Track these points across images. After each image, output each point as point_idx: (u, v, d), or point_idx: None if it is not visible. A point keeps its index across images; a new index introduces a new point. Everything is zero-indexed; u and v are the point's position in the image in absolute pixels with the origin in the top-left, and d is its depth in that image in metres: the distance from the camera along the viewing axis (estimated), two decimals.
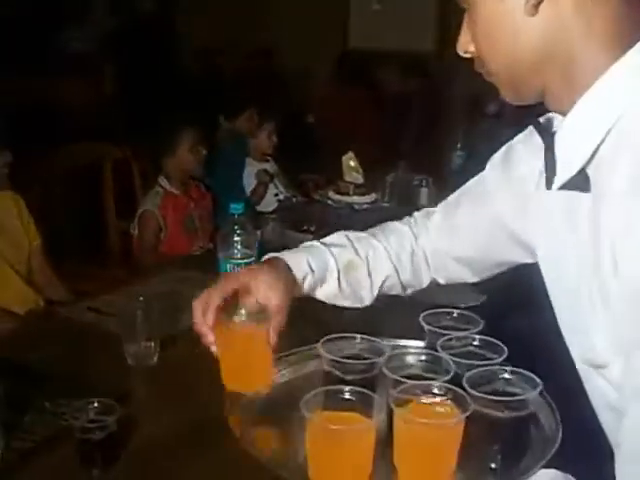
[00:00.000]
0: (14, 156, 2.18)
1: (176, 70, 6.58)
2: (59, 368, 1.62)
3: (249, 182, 3.44)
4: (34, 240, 2.31)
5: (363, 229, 2.87)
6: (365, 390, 1.15)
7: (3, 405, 1.30)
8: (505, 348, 1.27)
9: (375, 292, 1.47)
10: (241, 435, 1.23)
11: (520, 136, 1.32)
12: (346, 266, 1.43)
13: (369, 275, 1.45)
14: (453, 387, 1.15)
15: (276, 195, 3.36)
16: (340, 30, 7.04)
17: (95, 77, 5.24)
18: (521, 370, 1.20)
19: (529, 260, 1.34)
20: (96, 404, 1.31)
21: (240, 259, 1.69)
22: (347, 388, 1.15)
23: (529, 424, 1.20)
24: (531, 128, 1.23)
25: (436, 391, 1.16)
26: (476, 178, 1.46)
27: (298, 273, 1.35)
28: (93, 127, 4.64)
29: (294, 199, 3.33)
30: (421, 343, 1.41)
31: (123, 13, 6.42)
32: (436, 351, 1.28)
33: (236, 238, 1.68)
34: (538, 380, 1.17)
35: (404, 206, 3.16)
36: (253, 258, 1.71)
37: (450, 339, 1.32)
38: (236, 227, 1.68)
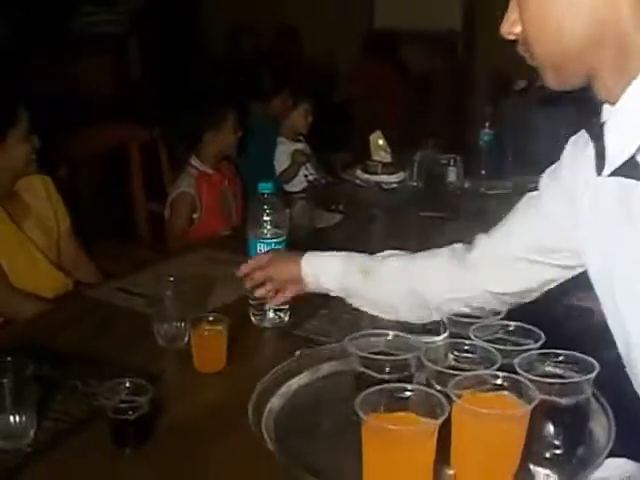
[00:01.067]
0: (42, 139, 2.17)
1: (203, 50, 6.58)
2: (90, 349, 1.63)
3: (280, 161, 3.41)
4: (63, 222, 2.30)
5: (391, 207, 2.85)
6: (427, 388, 1.08)
7: (35, 386, 1.30)
8: (542, 333, 1.22)
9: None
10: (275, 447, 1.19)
11: (567, 148, 1.29)
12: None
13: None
14: (513, 375, 1.08)
15: (306, 176, 3.34)
16: (367, 10, 6.98)
17: (123, 58, 5.21)
18: (574, 353, 1.14)
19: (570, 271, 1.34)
20: (128, 384, 1.32)
21: (270, 239, 1.67)
22: (408, 386, 1.07)
23: (588, 410, 1.15)
24: (573, 138, 1.24)
25: (495, 381, 1.09)
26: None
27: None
28: (121, 109, 4.66)
29: (323, 180, 3.30)
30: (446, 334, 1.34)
31: None
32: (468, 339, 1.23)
33: (265, 218, 1.66)
34: (594, 363, 1.11)
35: (432, 185, 3.15)
36: (283, 237, 1.70)
37: (482, 326, 1.27)
38: (265, 207, 1.66)
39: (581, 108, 3.44)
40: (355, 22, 6.75)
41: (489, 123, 3.42)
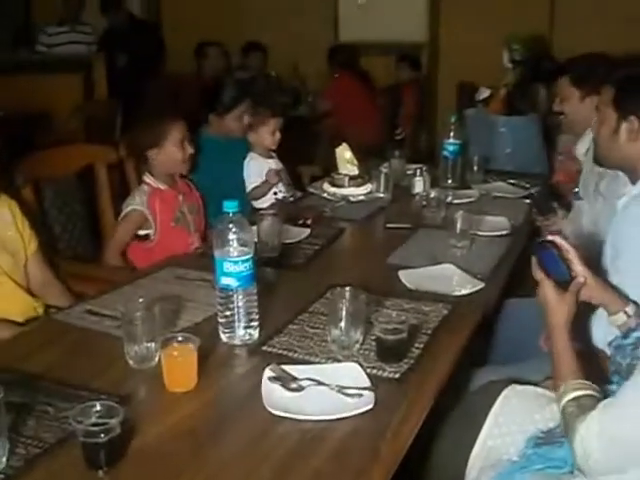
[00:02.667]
0: (9, 159, 2.17)
1: (166, 69, 6.59)
2: (61, 373, 1.64)
3: (251, 178, 3.35)
4: (30, 245, 2.29)
5: (359, 220, 2.91)
6: None
7: (6, 412, 1.31)
8: None
9: None
10: None
11: None
12: None
13: None
14: None
15: (275, 193, 3.32)
16: (331, 25, 7.03)
17: (89, 78, 5.20)
18: None
19: None
20: (99, 407, 1.33)
21: (237, 257, 1.68)
22: None
23: None
24: None
25: None
26: None
27: None
28: (86, 128, 4.65)
29: (292, 198, 3.30)
30: None
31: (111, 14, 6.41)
32: None
33: (231, 236, 1.68)
34: None
35: (400, 196, 3.19)
36: (250, 255, 1.71)
37: None
38: (231, 225, 1.68)
39: (543, 118, 3.52)
40: (320, 36, 6.81)
41: (454, 133, 3.46)
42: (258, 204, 3.27)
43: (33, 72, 4.99)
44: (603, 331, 1.86)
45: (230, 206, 1.68)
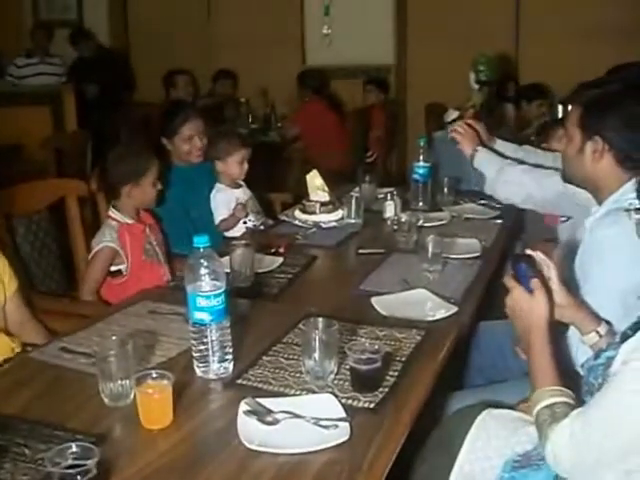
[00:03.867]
0: None
1: (135, 98, 6.61)
2: (36, 413, 1.63)
3: (219, 209, 3.35)
4: (10, 287, 2.27)
5: (330, 247, 2.91)
6: None
7: None
8: None
9: None
10: None
11: None
12: None
13: None
14: None
15: (245, 222, 3.32)
16: (298, 50, 7.09)
17: (59, 109, 5.20)
18: None
19: None
20: (74, 448, 1.32)
21: (209, 292, 1.69)
22: None
23: None
24: None
25: None
26: None
27: None
28: (57, 160, 4.64)
29: (262, 227, 3.31)
30: None
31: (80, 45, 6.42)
32: None
33: (203, 271, 1.69)
34: None
35: (370, 220, 3.21)
36: (223, 289, 1.72)
37: None
38: (202, 260, 1.69)
39: (511, 139, 3.55)
40: (288, 61, 6.86)
41: (422, 156, 3.49)
42: (229, 233, 3.28)
43: (1, 104, 4.96)
44: (575, 352, 1.89)
45: (200, 241, 1.69)
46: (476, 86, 4.02)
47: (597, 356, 1.61)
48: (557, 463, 1.47)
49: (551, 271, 1.76)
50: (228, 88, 6.67)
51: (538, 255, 1.78)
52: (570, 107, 2.21)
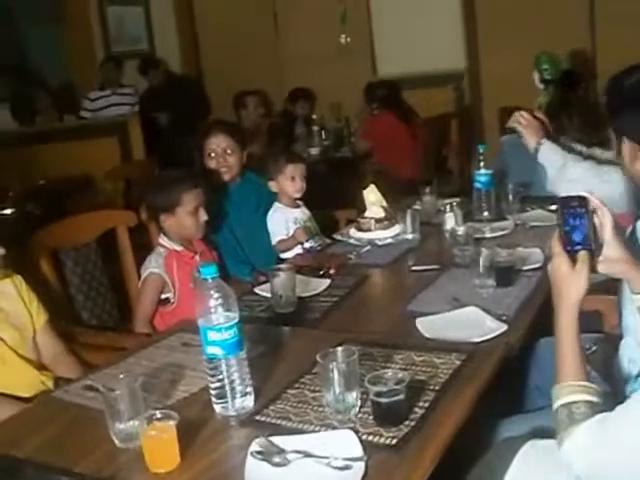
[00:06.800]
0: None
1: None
2: (48, 456, 1.58)
3: (276, 229, 3.28)
4: (39, 319, 2.27)
5: (383, 265, 2.75)
6: None
7: None
8: None
9: None
10: None
11: None
12: None
13: None
14: None
15: (301, 244, 3.22)
16: (368, 62, 6.99)
17: (123, 139, 5.28)
18: None
19: None
20: None
21: (221, 325, 1.60)
22: None
23: None
24: None
25: None
26: None
27: None
28: (126, 191, 4.70)
29: (319, 247, 3.20)
30: None
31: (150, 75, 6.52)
32: None
33: (213, 302, 1.60)
34: None
35: (429, 235, 3.06)
36: (236, 321, 1.62)
37: None
38: (212, 292, 1.60)
39: (581, 139, 3.31)
40: (360, 74, 6.75)
41: (483, 163, 3.33)
42: (284, 254, 3.20)
43: (71, 139, 5.06)
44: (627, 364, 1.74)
45: (207, 272, 1.60)
46: (541, 85, 3.84)
47: (636, 379, 1.45)
48: (569, 466, 1.39)
49: (605, 218, 1.58)
50: (307, 109, 6.59)
51: (593, 199, 1.59)
52: None
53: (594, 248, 1.56)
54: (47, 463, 1.54)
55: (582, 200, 1.57)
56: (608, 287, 1.93)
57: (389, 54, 6.85)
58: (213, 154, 3.28)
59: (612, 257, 1.58)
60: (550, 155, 2.86)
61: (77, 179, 4.79)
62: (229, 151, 3.30)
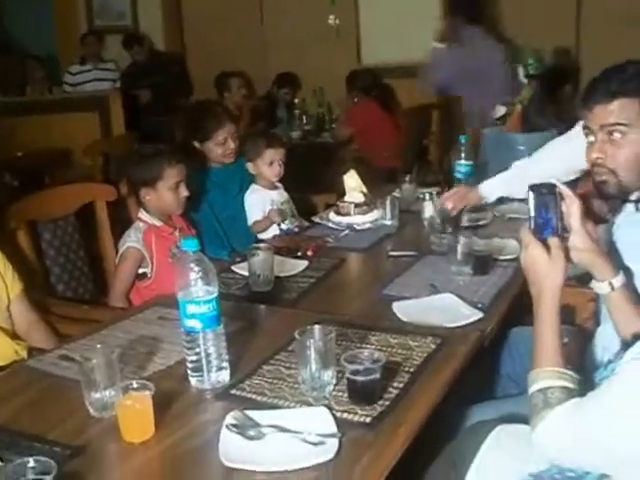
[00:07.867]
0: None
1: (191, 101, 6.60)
2: (23, 424, 1.58)
3: (252, 211, 3.28)
4: (13, 289, 2.26)
5: (361, 250, 2.76)
6: None
7: None
8: None
9: None
10: None
11: None
12: None
13: None
14: None
15: (279, 224, 3.23)
16: (354, 49, 6.97)
17: (103, 114, 5.24)
18: None
19: None
20: (32, 463, 1.25)
21: (199, 298, 1.60)
22: None
23: None
24: None
25: None
26: None
27: None
28: (105, 165, 4.66)
29: (296, 229, 3.19)
30: None
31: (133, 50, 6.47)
32: None
33: (193, 276, 1.60)
34: None
35: (408, 222, 3.07)
36: (215, 295, 1.63)
37: None
38: (192, 265, 1.60)
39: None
40: (344, 61, 6.73)
41: (464, 154, 3.35)
42: (262, 235, 3.19)
43: (51, 112, 5.02)
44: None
45: (189, 244, 1.61)
46: (525, 80, 3.89)
47: (606, 367, 1.48)
48: (542, 452, 1.44)
49: (574, 206, 1.58)
50: (290, 94, 6.57)
51: (561, 186, 1.59)
52: None
53: (564, 235, 1.57)
54: (20, 430, 1.54)
55: (551, 187, 1.58)
56: (580, 280, 1.95)
57: (375, 42, 6.81)
58: (224, 141, 3.28)
59: (580, 247, 1.59)
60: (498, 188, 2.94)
61: (56, 153, 4.75)
62: (235, 137, 3.33)
